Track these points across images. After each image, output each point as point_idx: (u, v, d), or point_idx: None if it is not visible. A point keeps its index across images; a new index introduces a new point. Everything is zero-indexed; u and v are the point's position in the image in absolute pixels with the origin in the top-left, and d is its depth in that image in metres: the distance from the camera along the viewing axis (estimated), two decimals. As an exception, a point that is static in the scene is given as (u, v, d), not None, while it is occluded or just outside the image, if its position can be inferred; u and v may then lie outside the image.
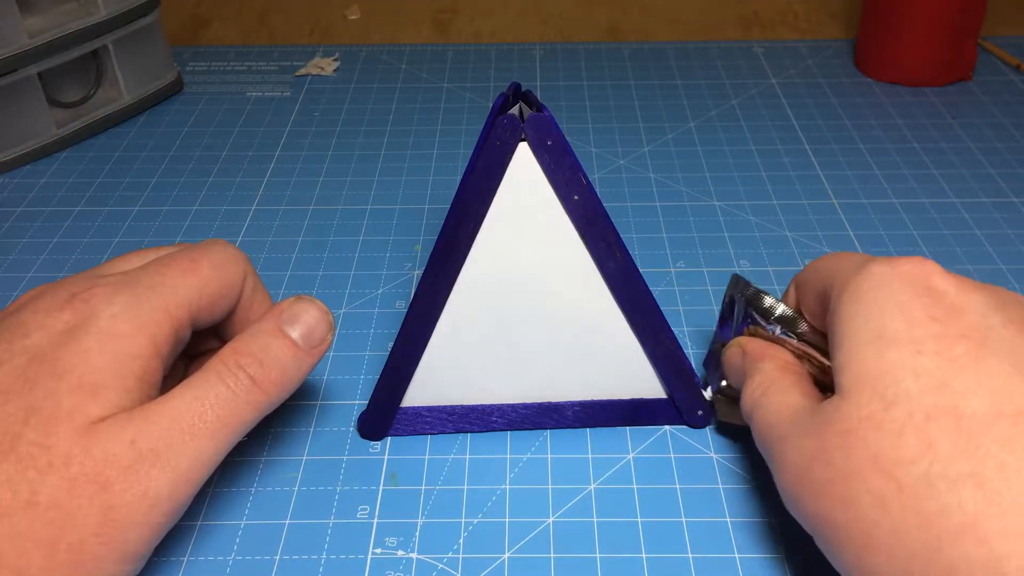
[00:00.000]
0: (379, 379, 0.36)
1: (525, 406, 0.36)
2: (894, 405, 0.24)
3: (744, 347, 0.33)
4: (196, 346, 0.35)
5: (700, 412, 0.36)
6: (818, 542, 0.27)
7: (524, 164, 0.33)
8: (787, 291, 0.34)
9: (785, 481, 0.27)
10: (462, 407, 0.36)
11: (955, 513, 0.22)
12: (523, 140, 0.32)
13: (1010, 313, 0.26)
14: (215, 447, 0.28)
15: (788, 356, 0.32)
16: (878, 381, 0.25)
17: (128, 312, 0.28)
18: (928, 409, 0.24)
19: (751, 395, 0.31)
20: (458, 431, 0.36)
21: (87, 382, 0.27)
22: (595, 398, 0.36)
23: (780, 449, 0.28)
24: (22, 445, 0.26)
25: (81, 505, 0.26)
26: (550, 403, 0.36)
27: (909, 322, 0.25)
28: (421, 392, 0.36)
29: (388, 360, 0.35)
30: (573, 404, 0.36)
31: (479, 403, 0.36)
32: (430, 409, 0.36)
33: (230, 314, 0.33)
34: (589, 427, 0.36)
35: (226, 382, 0.29)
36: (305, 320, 0.31)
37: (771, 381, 0.31)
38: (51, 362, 0.27)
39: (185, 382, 0.29)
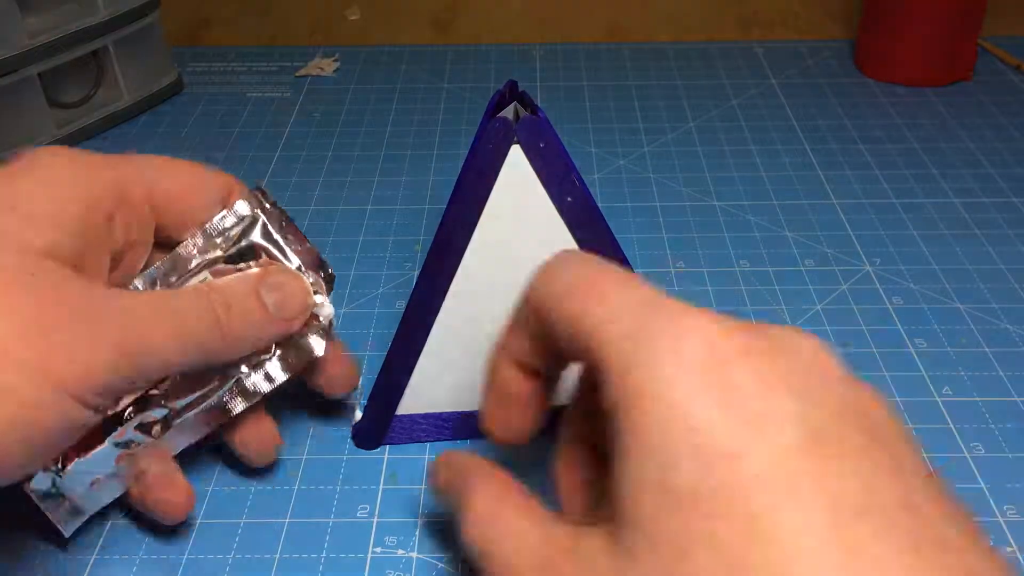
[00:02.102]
0: (373, 388, 0.36)
1: (521, 409, 0.36)
2: None
3: (448, 464, 0.29)
4: None
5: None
6: None
7: (517, 167, 0.32)
8: (517, 318, 0.27)
9: None
10: (458, 414, 0.36)
11: None
12: (516, 143, 0.32)
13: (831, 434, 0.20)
14: (154, 350, 0.28)
15: (498, 470, 0.27)
16: (669, 551, 0.20)
17: (70, 164, 0.29)
18: None
19: (472, 534, 0.25)
20: (455, 438, 0.36)
21: (24, 211, 0.27)
22: (594, 398, 0.36)
23: None
24: None
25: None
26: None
27: (701, 468, 0.20)
28: (416, 400, 0.36)
29: (382, 368, 0.35)
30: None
31: (475, 409, 0.36)
32: (425, 416, 0.36)
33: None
34: (588, 427, 0.36)
35: (195, 304, 0.29)
36: (285, 290, 0.31)
37: (492, 514, 0.25)
38: None
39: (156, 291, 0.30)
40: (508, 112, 0.34)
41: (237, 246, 0.33)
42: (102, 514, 0.33)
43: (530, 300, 0.25)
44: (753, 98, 0.62)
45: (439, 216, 0.34)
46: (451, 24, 0.74)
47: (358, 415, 0.36)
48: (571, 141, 0.56)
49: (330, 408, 0.38)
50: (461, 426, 0.36)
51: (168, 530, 0.33)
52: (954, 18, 0.59)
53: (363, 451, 0.36)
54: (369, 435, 0.36)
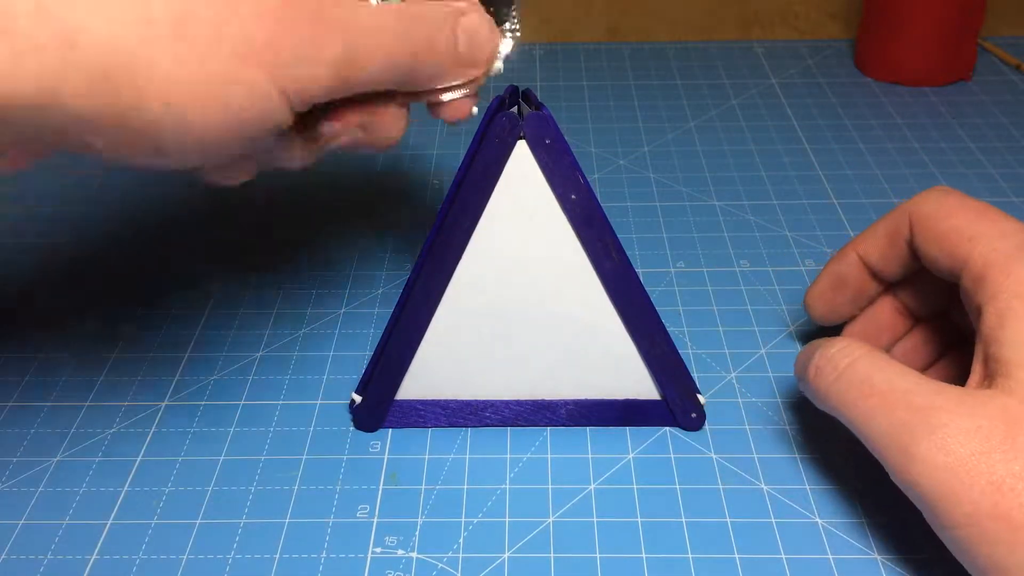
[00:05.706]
0: (373, 369, 0.36)
1: (519, 403, 0.36)
2: None
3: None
4: None
5: (694, 415, 0.36)
6: (963, 530, 0.27)
7: (522, 162, 0.33)
8: (883, 226, 0.35)
9: (939, 457, 0.27)
10: (456, 401, 0.36)
11: None
12: (522, 138, 0.32)
13: None
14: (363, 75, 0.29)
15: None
16: None
17: None
18: None
19: (835, 361, 0.31)
20: (451, 425, 0.36)
21: None
22: (589, 397, 0.36)
23: (929, 422, 0.28)
24: None
25: None
26: (544, 401, 0.36)
27: None
28: (416, 385, 0.36)
29: (383, 352, 0.35)
30: (567, 403, 0.36)
31: (473, 398, 0.36)
32: (424, 402, 0.36)
33: None
34: (582, 426, 0.36)
35: (402, 29, 0.29)
36: (477, 36, 0.31)
37: (864, 349, 0.31)
38: None
39: None
40: (513, 109, 0.34)
41: None
42: (102, 514, 0.33)
43: (911, 210, 0.33)
44: (753, 98, 0.62)
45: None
46: (451, 24, 0.74)
47: (356, 399, 0.36)
48: (571, 141, 0.56)
49: (330, 408, 0.38)
50: (459, 414, 0.36)
51: (168, 530, 0.33)
52: (954, 18, 0.59)
53: (363, 451, 0.36)
54: (368, 418, 0.36)
